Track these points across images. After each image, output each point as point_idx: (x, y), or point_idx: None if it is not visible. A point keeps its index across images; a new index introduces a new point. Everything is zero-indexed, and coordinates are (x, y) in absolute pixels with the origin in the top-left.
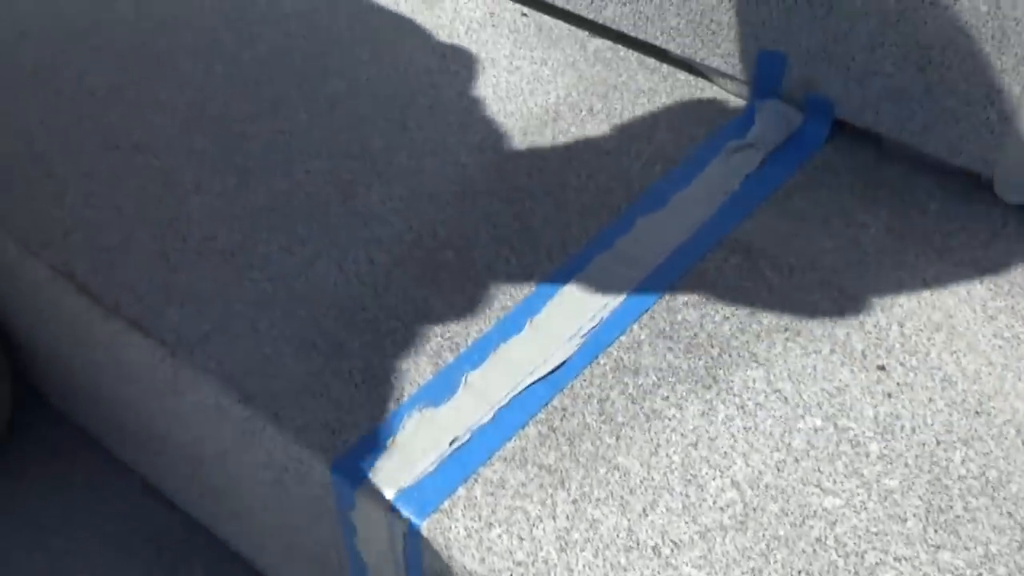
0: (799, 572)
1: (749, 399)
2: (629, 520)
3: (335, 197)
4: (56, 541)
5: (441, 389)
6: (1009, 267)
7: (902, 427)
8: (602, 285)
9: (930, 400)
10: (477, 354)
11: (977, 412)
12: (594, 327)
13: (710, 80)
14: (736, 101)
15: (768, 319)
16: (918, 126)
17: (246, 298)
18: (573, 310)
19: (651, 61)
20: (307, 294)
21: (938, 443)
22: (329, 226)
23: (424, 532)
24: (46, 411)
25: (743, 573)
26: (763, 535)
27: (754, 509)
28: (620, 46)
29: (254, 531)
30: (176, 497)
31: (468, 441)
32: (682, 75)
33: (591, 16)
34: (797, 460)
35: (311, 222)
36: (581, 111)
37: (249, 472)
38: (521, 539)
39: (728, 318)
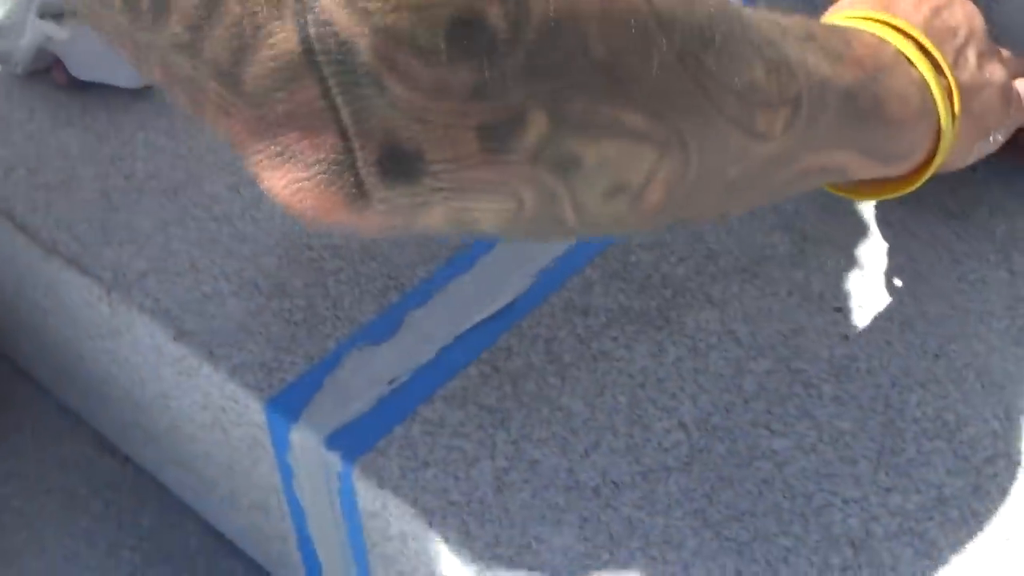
0: (743, 513)
1: (701, 340)
2: (570, 461)
3: None
4: (1, 491)
5: (383, 328)
6: (976, 212)
7: (857, 369)
8: None
9: (888, 343)
10: (423, 293)
11: (936, 355)
12: (545, 267)
13: None
14: None
15: (725, 261)
16: None
17: (188, 237)
18: (525, 250)
19: None
20: (251, 234)
21: (893, 385)
22: None
23: (357, 471)
24: None
25: (685, 514)
26: (708, 476)
27: (700, 450)
28: None
29: (199, 479)
30: (123, 446)
31: (408, 380)
32: None
33: None
34: (747, 401)
35: None
36: None
37: (189, 415)
38: (457, 479)
39: (684, 259)
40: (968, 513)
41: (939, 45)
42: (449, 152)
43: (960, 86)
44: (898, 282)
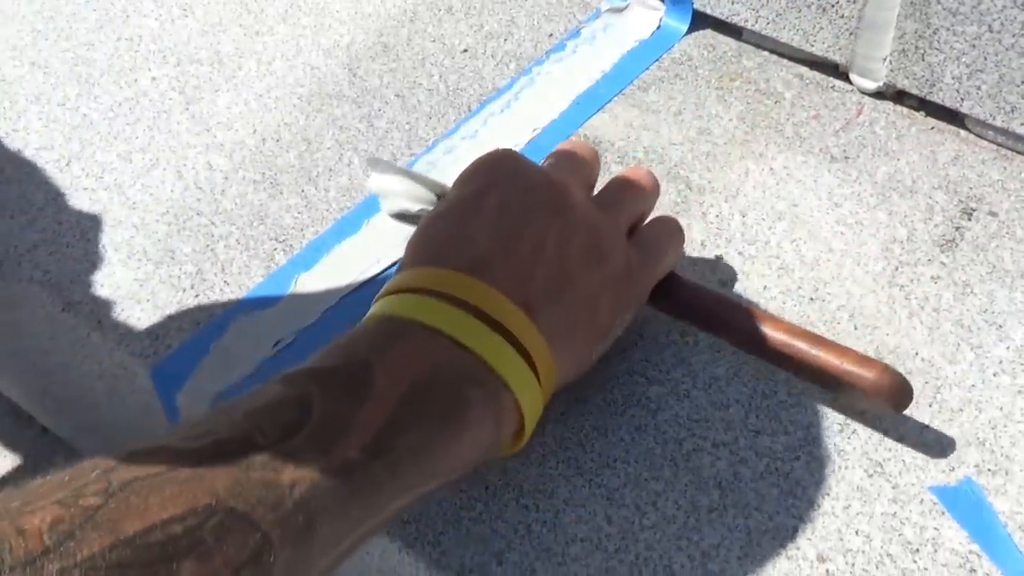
0: (615, 460)
1: None
2: None
3: (179, 104)
4: None
5: (270, 292)
6: (859, 155)
7: None
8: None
9: (764, 288)
10: (311, 256)
11: (812, 298)
12: None
13: None
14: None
15: None
16: (772, 13)
17: (78, 207)
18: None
19: None
20: (142, 202)
21: None
22: (171, 132)
23: None
24: None
25: (559, 462)
26: (583, 425)
27: (577, 401)
28: None
29: (109, 445)
30: (39, 416)
31: (292, 342)
32: None
33: None
34: (624, 351)
35: (153, 130)
36: (439, 10)
37: (89, 383)
38: None
39: None
40: (832, 450)
41: (523, 290)
42: None
43: (552, 328)
44: (778, 227)
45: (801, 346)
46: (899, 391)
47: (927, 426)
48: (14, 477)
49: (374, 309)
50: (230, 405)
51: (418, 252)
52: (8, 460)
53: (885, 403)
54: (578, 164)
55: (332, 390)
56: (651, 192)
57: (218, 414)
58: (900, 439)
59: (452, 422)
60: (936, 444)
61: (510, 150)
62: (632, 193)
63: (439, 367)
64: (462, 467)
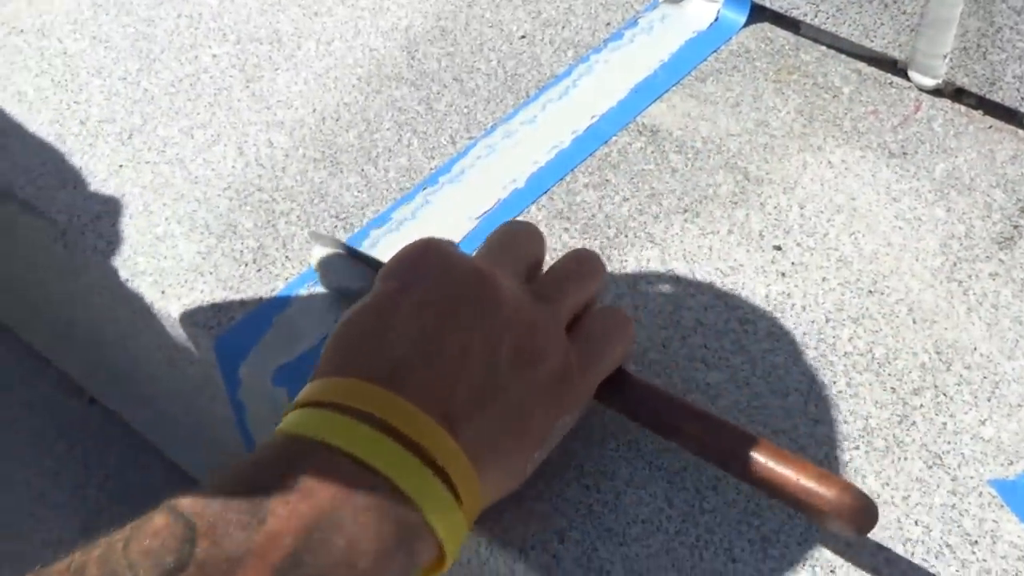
0: (675, 444)
1: (641, 278)
2: None
3: (239, 81)
4: None
5: None
6: (917, 151)
7: (793, 305)
8: (503, 169)
9: (823, 279)
10: (371, 235)
11: (870, 291)
12: (490, 209)
13: None
14: None
15: (668, 201)
16: (833, 8)
17: (141, 180)
18: (471, 193)
19: None
20: (203, 176)
21: (827, 321)
22: (231, 109)
23: None
24: None
25: (620, 444)
26: None
27: None
28: None
29: (161, 418)
30: (88, 387)
31: None
32: None
33: None
34: (684, 337)
35: (214, 106)
36: None
37: (146, 354)
38: None
39: (628, 200)
40: (892, 442)
41: (444, 401)
42: None
43: (478, 441)
44: (837, 220)
45: (756, 458)
46: (861, 512)
47: (986, 420)
48: (59, 449)
49: (281, 424)
50: (114, 538)
51: (331, 358)
52: (55, 431)
53: (845, 526)
54: (515, 249)
55: (221, 526)
56: (597, 278)
57: (99, 547)
58: (959, 433)
59: (358, 557)
60: (995, 438)
61: (435, 239)
62: (575, 281)
63: (343, 495)
64: None
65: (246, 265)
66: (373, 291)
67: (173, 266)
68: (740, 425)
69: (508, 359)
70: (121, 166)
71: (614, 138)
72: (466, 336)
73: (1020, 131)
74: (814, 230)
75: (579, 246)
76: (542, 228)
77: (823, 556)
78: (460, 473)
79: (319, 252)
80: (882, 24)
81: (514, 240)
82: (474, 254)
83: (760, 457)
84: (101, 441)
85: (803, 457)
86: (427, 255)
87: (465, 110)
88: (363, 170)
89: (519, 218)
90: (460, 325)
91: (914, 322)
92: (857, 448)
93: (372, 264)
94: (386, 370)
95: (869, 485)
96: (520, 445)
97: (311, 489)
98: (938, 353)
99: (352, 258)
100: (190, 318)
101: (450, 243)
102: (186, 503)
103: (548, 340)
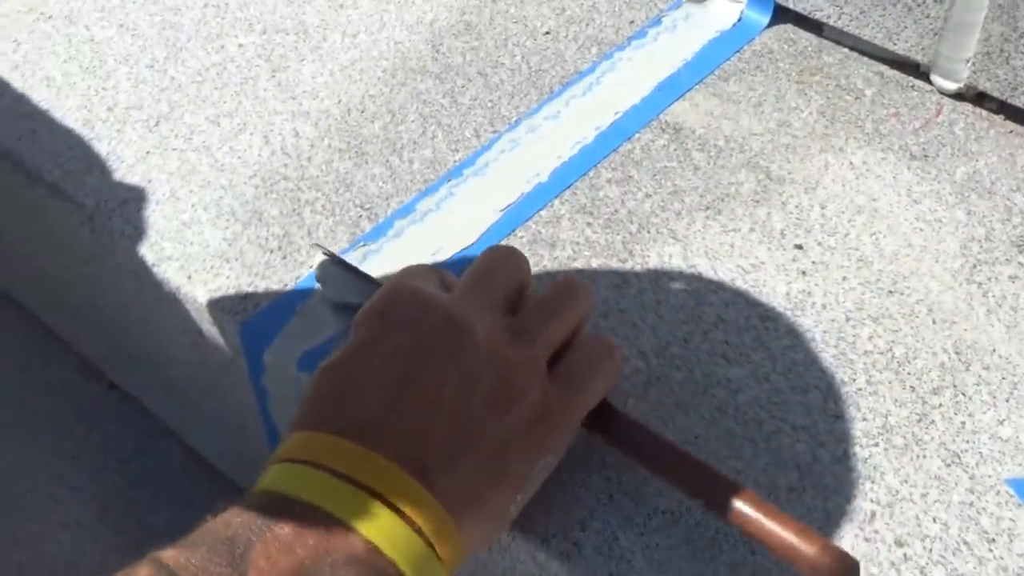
0: (696, 437)
1: (663, 274)
2: None
3: (265, 71)
4: None
5: (356, 257)
6: (938, 154)
7: (813, 304)
8: (527, 162)
9: (844, 279)
10: (394, 226)
11: (891, 291)
12: (514, 202)
13: None
14: None
15: (691, 198)
16: (856, 11)
17: (168, 167)
18: (495, 186)
19: None
20: (230, 164)
21: (848, 320)
22: (257, 99)
23: None
24: None
25: None
26: (664, 402)
27: (658, 378)
28: None
29: (181, 403)
30: (108, 371)
31: None
32: None
33: None
34: (705, 333)
35: (240, 95)
36: None
37: (170, 339)
38: None
39: (650, 196)
40: (911, 440)
41: (417, 452)
42: None
43: (455, 491)
44: (858, 220)
45: (740, 508)
46: (842, 572)
47: (1004, 420)
48: (79, 432)
49: (260, 481)
50: None
51: (307, 412)
52: (75, 414)
53: None
54: (492, 282)
55: None
56: (580, 307)
57: None
58: (977, 432)
59: None
60: (1012, 438)
61: (408, 283)
62: (556, 313)
63: (322, 550)
64: None
65: (271, 252)
66: (346, 341)
67: (199, 252)
68: (724, 474)
69: (483, 404)
70: (148, 153)
71: (637, 135)
72: (438, 385)
73: None
74: (835, 230)
75: (601, 241)
76: (564, 222)
77: None
78: (435, 526)
79: (322, 267)
80: (905, 27)
81: (491, 273)
82: (460, 279)
83: (743, 507)
84: (119, 425)
85: (784, 514)
86: (399, 302)
87: (489, 104)
88: (388, 161)
89: (542, 212)
90: (432, 373)
91: (934, 322)
92: (876, 445)
93: (373, 281)
94: (359, 425)
95: (888, 482)
96: (500, 491)
97: (291, 544)
98: (957, 353)
99: (352, 273)
100: (216, 303)
101: (427, 277)
102: (169, 555)
103: (525, 381)
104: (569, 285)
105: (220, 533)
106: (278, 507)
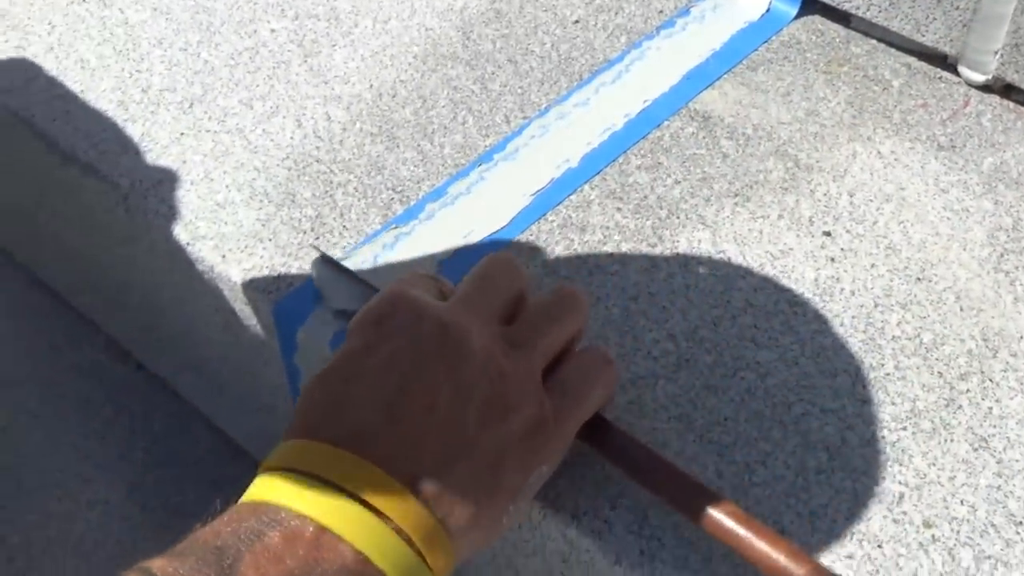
0: (726, 419)
1: (692, 259)
2: None
3: (297, 56)
4: (16, 394)
5: (389, 239)
6: (966, 145)
7: (842, 290)
8: (556, 149)
9: (872, 266)
10: (426, 208)
11: (919, 278)
12: (544, 187)
13: None
14: None
15: (719, 185)
16: (885, 2)
17: (201, 148)
18: (526, 171)
19: None
20: (263, 146)
21: (876, 306)
22: (290, 83)
23: None
24: (13, 269)
25: (671, 418)
26: (694, 384)
27: (687, 360)
28: None
29: (211, 383)
30: (137, 352)
31: None
32: None
33: None
34: (734, 317)
35: (272, 79)
36: None
37: (202, 318)
38: None
39: (679, 182)
40: (939, 424)
41: (410, 462)
42: None
43: (448, 501)
44: (886, 209)
45: (730, 527)
46: None
47: None
48: (107, 413)
49: (250, 489)
50: None
51: (300, 420)
52: (102, 395)
53: None
54: (489, 291)
55: None
56: (577, 316)
57: None
58: (1004, 418)
59: None
60: None
61: (404, 289)
62: (553, 322)
63: (312, 561)
64: None
65: (304, 233)
66: (341, 348)
67: (234, 232)
68: (716, 492)
69: (477, 414)
70: (182, 134)
71: (666, 123)
72: (433, 393)
73: None
74: (863, 218)
75: (631, 226)
76: (595, 207)
77: (869, 530)
78: (425, 535)
79: (322, 273)
80: (934, 19)
81: (489, 281)
82: (457, 287)
83: (735, 526)
84: (147, 406)
85: (776, 534)
86: (395, 309)
87: (519, 91)
88: (419, 145)
89: (572, 197)
90: (426, 383)
91: (961, 310)
92: (904, 429)
93: (367, 287)
94: (352, 434)
95: (916, 464)
96: (493, 501)
97: (280, 554)
98: (985, 340)
99: (353, 279)
100: (250, 283)
101: (424, 285)
102: (158, 564)
103: (520, 391)
104: (567, 294)
105: (209, 542)
106: (270, 516)
